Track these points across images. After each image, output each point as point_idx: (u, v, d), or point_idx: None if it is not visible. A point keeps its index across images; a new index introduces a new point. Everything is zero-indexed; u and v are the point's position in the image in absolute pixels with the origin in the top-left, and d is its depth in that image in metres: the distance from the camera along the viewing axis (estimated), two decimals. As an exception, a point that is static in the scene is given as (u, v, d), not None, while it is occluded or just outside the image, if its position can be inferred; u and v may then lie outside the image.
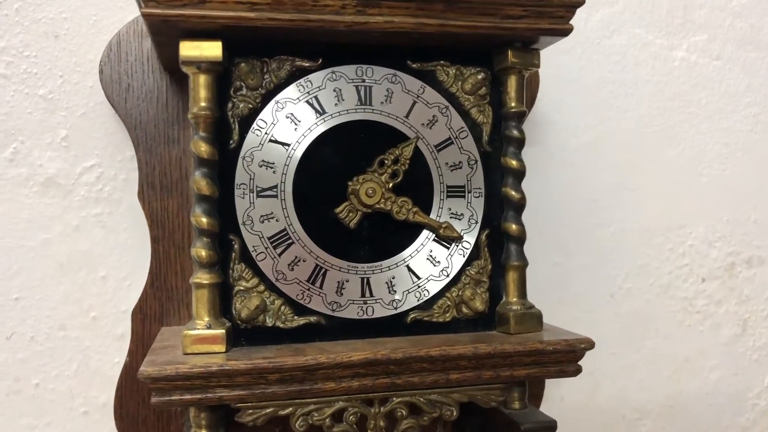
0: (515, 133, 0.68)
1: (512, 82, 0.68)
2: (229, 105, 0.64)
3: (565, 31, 0.65)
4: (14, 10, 0.76)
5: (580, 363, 0.66)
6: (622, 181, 0.93)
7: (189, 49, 0.60)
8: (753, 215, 0.97)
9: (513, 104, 0.68)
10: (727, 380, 0.97)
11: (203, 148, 0.61)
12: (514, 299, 0.68)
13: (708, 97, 0.96)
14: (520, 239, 0.68)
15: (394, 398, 0.63)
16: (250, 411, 0.61)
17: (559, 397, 0.90)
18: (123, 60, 0.75)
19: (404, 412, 0.64)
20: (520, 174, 0.68)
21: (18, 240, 0.76)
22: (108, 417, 0.76)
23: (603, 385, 0.92)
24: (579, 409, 0.91)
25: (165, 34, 0.61)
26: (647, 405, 0.94)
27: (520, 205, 0.68)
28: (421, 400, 0.64)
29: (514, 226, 0.68)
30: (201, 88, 0.61)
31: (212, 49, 0.60)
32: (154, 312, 0.76)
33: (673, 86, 0.95)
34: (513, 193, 0.68)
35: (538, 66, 0.68)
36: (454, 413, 0.65)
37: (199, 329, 0.61)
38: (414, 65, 0.67)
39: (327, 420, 0.62)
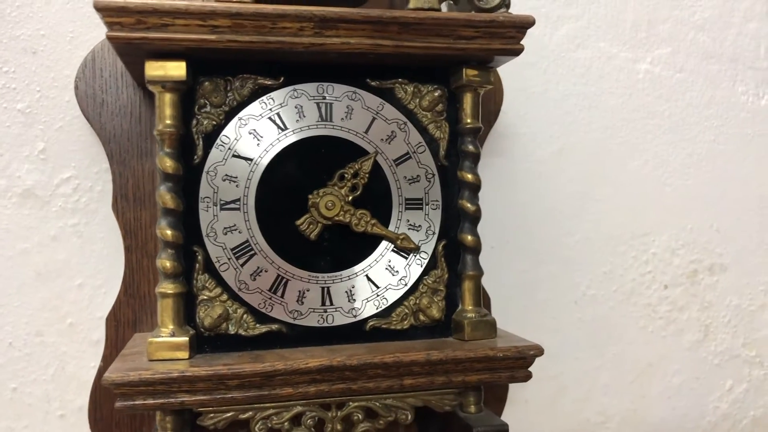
0: (471, 148, 0.71)
1: (468, 99, 0.71)
2: (194, 122, 0.66)
3: (517, 51, 0.68)
4: (-7, 27, 0.79)
5: (531, 369, 0.68)
6: (587, 191, 0.96)
7: (154, 69, 0.63)
8: (715, 224, 1.00)
9: (469, 120, 0.71)
10: (690, 384, 1.00)
11: (168, 164, 0.64)
12: (470, 307, 0.71)
13: (671, 109, 0.98)
14: (476, 250, 0.71)
15: (351, 403, 0.66)
16: (212, 415, 0.63)
17: (523, 400, 0.93)
18: (98, 76, 0.78)
19: (360, 416, 0.67)
20: (475, 187, 0.71)
21: (-4, 249, 0.79)
22: (83, 420, 0.79)
23: (567, 388, 0.95)
24: (543, 412, 0.94)
25: (131, 55, 0.64)
26: (611, 409, 0.97)
27: (475, 217, 0.71)
28: (377, 404, 0.67)
29: (469, 237, 0.71)
30: (166, 106, 0.64)
31: (176, 69, 0.63)
32: (128, 319, 0.79)
33: (637, 98, 0.97)
34: (469, 205, 0.71)
35: (492, 84, 0.71)
36: (409, 417, 0.67)
37: (163, 337, 0.63)
38: (373, 83, 0.70)
39: (286, 424, 0.65)
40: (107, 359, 0.78)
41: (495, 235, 0.92)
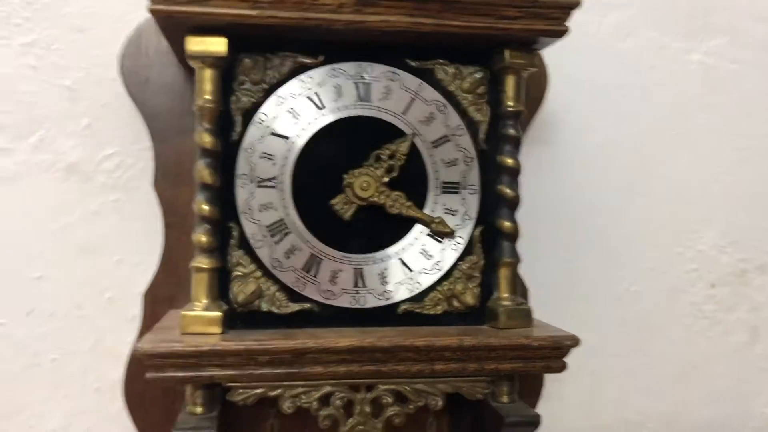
0: (511, 131, 0.69)
1: (510, 82, 0.69)
2: (233, 98, 0.67)
3: (561, 33, 0.66)
4: (43, 5, 0.81)
5: (567, 363, 0.66)
6: (633, 183, 0.93)
7: (194, 44, 0.63)
8: (766, 222, 0.96)
9: (510, 104, 0.69)
10: (736, 387, 0.96)
11: (207, 139, 0.64)
12: (505, 295, 0.69)
13: (724, 102, 0.95)
14: (513, 236, 0.69)
15: (380, 385, 0.66)
16: (241, 391, 0.63)
17: (559, 395, 0.91)
18: (143, 54, 0.79)
19: (390, 399, 0.66)
20: (515, 172, 0.69)
21: (41, 222, 0.81)
22: (118, 394, 0.80)
23: (605, 386, 0.93)
24: (579, 408, 0.92)
25: (172, 30, 0.64)
26: (651, 409, 0.94)
27: (514, 203, 0.69)
28: (407, 388, 0.66)
29: (507, 224, 0.69)
30: (206, 81, 0.64)
31: (217, 45, 0.63)
32: (164, 295, 0.79)
33: (689, 90, 0.94)
34: (507, 190, 0.69)
35: (536, 67, 0.69)
36: (440, 403, 0.66)
37: (196, 311, 0.64)
38: (413, 63, 0.69)
39: (314, 403, 0.65)
40: (143, 335, 0.78)
41: (536, 226, 0.89)
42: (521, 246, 0.70)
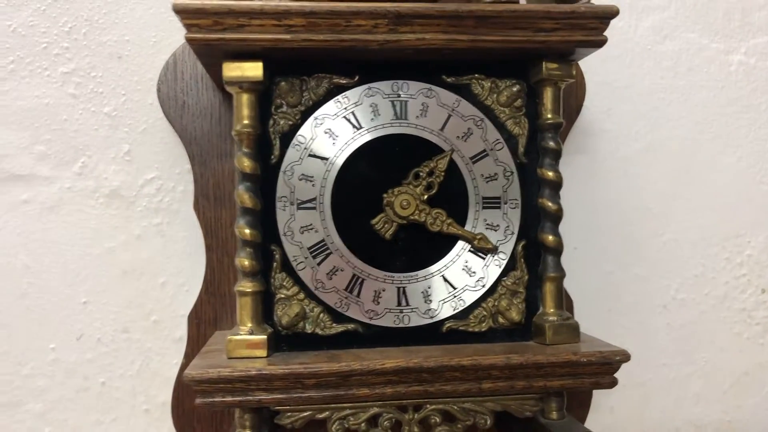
0: (551, 144, 0.68)
1: (548, 94, 0.68)
2: (271, 122, 0.67)
3: (600, 43, 0.65)
4: (82, 34, 0.82)
5: (616, 375, 0.65)
6: (676, 189, 0.91)
7: (231, 69, 0.64)
8: (818, 223, 0.93)
9: (549, 116, 0.68)
10: (791, 395, 0.93)
11: (246, 163, 0.64)
12: (551, 310, 0.68)
13: (767, 102, 0.92)
14: (557, 250, 0.68)
15: (428, 405, 0.65)
16: (289, 414, 0.63)
17: (608, 407, 0.89)
18: (179, 79, 0.80)
19: (438, 419, 0.65)
20: (556, 185, 0.68)
21: (85, 248, 0.82)
22: (167, 415, 0.81)
23: (655, 397, 0.91)
24: (629, 420, 0.90)
25: (209, 56, 0.65)
26: (703, 419, 0.92)
27: (556, 216, 0.68)
28: (455, 408, 0.65)
29: (550, 237, 0.68)
30: (244, 106, 0.64)
31: (253, 70, 0.64)
32: (209, 317, 0.80)
33: (730, 91, 0.92)
34: (550, 204, 0.68)
35: (574, 77, 0.68)
36: (488, 422, 0.66)
37: (242, 335, 0.64)
38: (449, 79, 0.69)
39: (363, 424, 0.64)
40: (189, 356, 0.79)
41: (578, 236, 0.88)
42: (563, 256, 0.69)
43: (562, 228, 0.69)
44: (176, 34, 0.83)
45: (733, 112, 0.92)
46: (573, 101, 0.84)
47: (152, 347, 0.83)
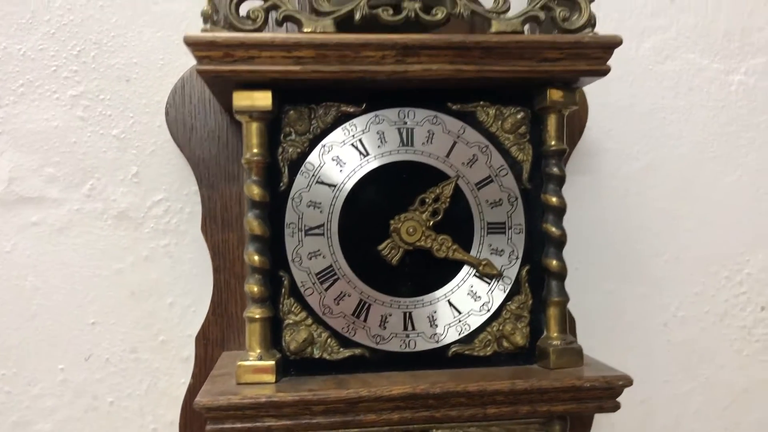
0: (555, 170, 0.69)
1: (552, 121, 0.69)
2: (280, 149, 0.68)
3: (603, 72, 0.66)
4: (91, 57, 0.83)
5: (619, 399, 0.66)
6: (677, 208, 0.92)
7: (241, 99, 0.65)
8: (817, 242, 0.94)
9: (553, 143, 0.69)
10: (790, 411, 0.95)
11: (255, 191, 0.65)
12: (555, 334, 0.69)
13: (766, 121, 0.94)
14: (561, 275, 0.70)
15: (434, 430, 0.66)
16: (297, 439, 0.64)
17: (609, 424, 0.91)
18: (187, 102, 0.81)
19: (444, 443, 0.66)
20: (560, 211, 0.69)
21: (94, 269, 0.83)
22: (175, 434, 0.82)
23: (656, 413, 0.92)
24: (631, 437, 0.91)
25: (219, 86, 0.66)
26: (703, 435, 0.93)
27: (560, 242, 0.69)
28: (460, 432, 0.66)
29: (554, 262, 0.69)
30: (253, 135, 0.65)
31: (262, 99, 0.65)
32: (216, 337, 0.81)
33: (730, 111, 0.93)
34: (553, 229, 0.69)
35: (577, 105, 0.70)
36: (493, 445, 0.67)
37: (251, 360, 0.65)
38: (454, 107, 0.70)
39: (369, 449, 0.65)
40: (197, 377, 0.80)
41: (580, 255, 0.89)
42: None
43: (565, 247, 0.70)
44: (183, 57, 0.84)
45: (733, 132, 0.93)
46: (576, 123, 0.85)
47: (160, 367, 0.84)
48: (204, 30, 0.62)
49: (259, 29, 0.63)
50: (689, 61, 0.93)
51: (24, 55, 0.82)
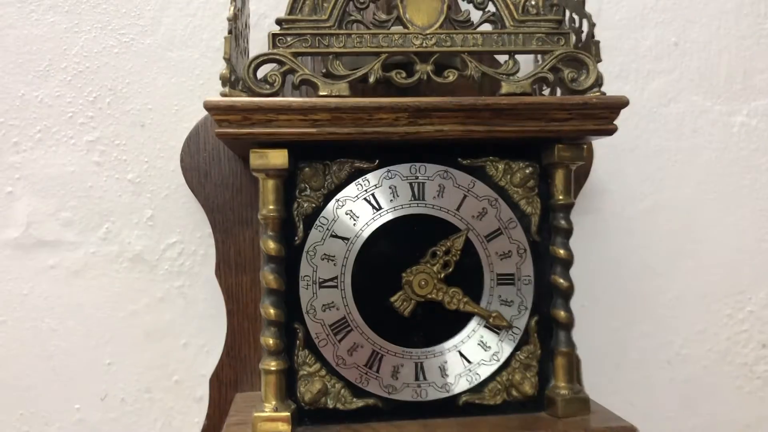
0: (563, 223, 0.71)
1: (560, 176, 0.71)
2: (295, 204, 0.70)
3: (610, 131, 0.68)
4: (107, 103, 0.85)
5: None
6: (680, 247, 0.94)
7: (257, 158, 0.66)
8: (817, 281, 0.96)
9: (561, 197, 0.71)
10: (790, 447, 0.97)
11: (271, 246, 0.67)
12: (562, 384, 0.71)
13: (769, 163, 0.96)
14: (568, 326, 0.71)
15: (445, 480, 0.68)
16: (313, 489, 0.66)
17: (614, 461, 0.92)
18: (201, 150, 0.82)
19: (455, 492, 0.68)
20: (568, 263, 0.71)
21: (110, 311, 0.85)
22: (188, 473, 0.84)
23: (660, 449, 0.94)
24: (635, 473, 0.93)
25: (236, 146, 0.67)
26: (706, 470, 0.95)
27: (567, 293, 0.71)
28: (471, 481, 0.68)
29: (562, 313, 0.71)
30: (269, 192, 0.67)
31: (278, 158, 0.66)
32: (230, 379, 0.83)
33: (732, 152, 0.95)
34: (561, 281, 0.71)
35: (584, 160, 0.71)
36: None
37: (267, 411, 0.67)
38: (464, 162, 0.72)
39: (383, 498, 0.67)
40: (211, 417, 0.82)
41: (586, 293, 0.91)
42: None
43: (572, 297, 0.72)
44: (197, 102, 0.86)
45: (735, 173, 0.95)
46: (582, 165, 0.86)
47: (174, 406, 0.86)
48: (222, 93, 0.64)
49: (276, 93, 0.65)
50: (693, 103, 0.94)
51: (41, 101, 0.84)
